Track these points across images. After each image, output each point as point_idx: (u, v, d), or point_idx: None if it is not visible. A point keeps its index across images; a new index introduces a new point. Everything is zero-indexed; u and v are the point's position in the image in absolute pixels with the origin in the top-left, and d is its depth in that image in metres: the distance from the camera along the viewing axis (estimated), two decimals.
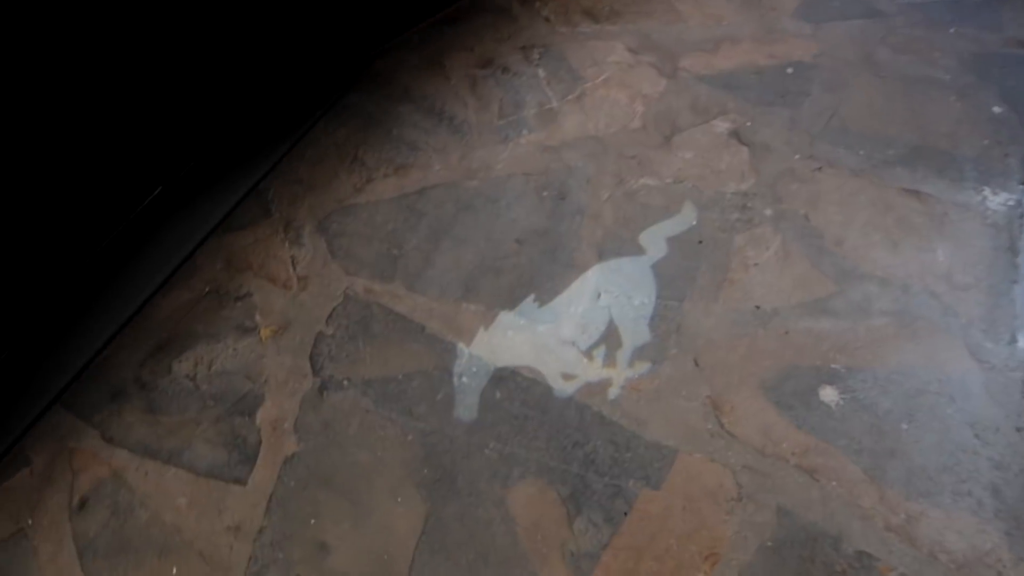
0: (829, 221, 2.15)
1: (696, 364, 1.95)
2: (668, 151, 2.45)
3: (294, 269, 2.41)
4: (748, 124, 2.46)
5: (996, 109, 2.33)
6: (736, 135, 2.43)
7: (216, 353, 2.25)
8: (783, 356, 1.92)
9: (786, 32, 2.75)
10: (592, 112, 2.65)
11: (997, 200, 2.10)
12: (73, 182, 2.28)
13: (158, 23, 2.28)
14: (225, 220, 2.59)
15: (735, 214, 2.22)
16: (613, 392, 1.94)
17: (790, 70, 2.60)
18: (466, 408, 1.99)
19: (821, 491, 1.69)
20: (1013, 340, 1.84)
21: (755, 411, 1.84)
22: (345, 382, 2.10)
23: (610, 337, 2.05)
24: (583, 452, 1.85)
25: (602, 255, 2.22)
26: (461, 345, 2.11)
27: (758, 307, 2.02)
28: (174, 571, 1.86)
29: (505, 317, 2.15)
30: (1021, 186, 2.12)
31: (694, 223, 2.23)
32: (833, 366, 1.87)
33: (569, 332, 2.07)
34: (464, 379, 2.04)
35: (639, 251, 2.21)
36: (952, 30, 2.60)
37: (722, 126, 2.48)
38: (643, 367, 1.98)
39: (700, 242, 2.18)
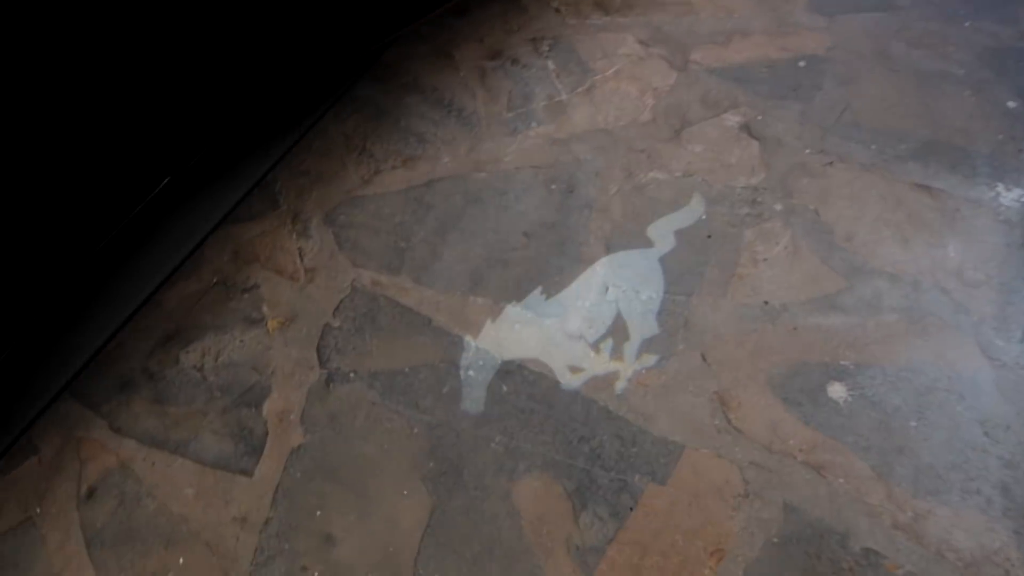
0: (839, 216, 2.13)
1: (703, 359, 1.94)
2: (678, 145, 2.43)
3: (301, 261, 2.41)
4: (759, 118, 2.44)
5: (1011, 104, 2.30)
6: (747, 129, 2.42)
7: (223, 344, 2.26)
8: (791, 352, 1.90)
9: (799, 25, 2.72)
10: (602, 105, 2.63)
11: (1010, 196, 2.07)
12: (82, 173, 2.29)
13: (168, 15, 2.27)
14: (233, 211, 2.60)
15: (744, 209, 2.21)
16: (620, 385, 1.94)
17: (802, 63, 2.58)
18: (473, 401, 1.99)
19: (828, 488, 1.68)
20: None
21: (762, 407, 1.82)
22: (352, 374, 2.10)
23: (617, 330, 2.04)
24: (589, 447, 1.84)
25: (610, 249, 2.21)
26: (468, 338, 2.11)
27: (767, 302, 2.00)
28: (181, 561, 1.87)
29: (512, 310, 2.14)
30: None
31: (703, 215, 2.22)
32: (842, 362, 1.86)
33: (576, 326, 2.07)
34: (471, 372, 2.04)
35: (647, 244, 2.20)
36: (967, 24, 2.57)
37: (733, 120, 2.46)
38: (650, 360, 1.97)
39: (709, 236, 2.17)
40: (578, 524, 1.73)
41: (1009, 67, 2.41)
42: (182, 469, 2.02)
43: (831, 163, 2.26)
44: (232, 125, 2.74)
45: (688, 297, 2.06)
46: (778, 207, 2.19)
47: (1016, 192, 2.08)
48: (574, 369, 1.99)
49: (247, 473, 1.98)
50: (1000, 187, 2.10)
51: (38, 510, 2.03)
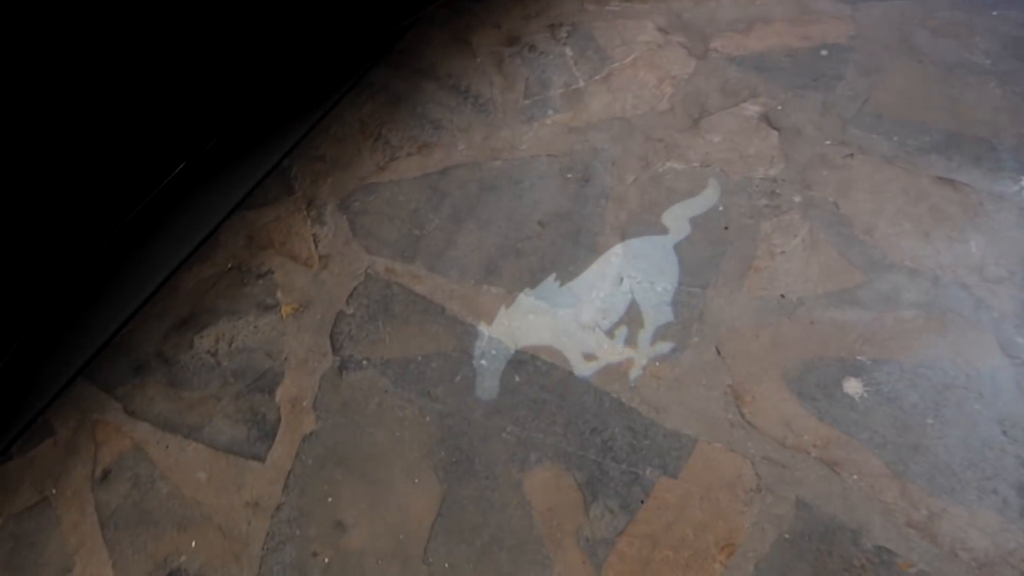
0: (859, 209, 2.10)
1: (718, 352, 1.92)
2: (696, 134, 2.40)
3: (316, 247, 2.41)
4: (779, 108, 2.40)
5: None
6: (766, 119, 2.38)
7: (237, 330, 2.26)
8: (807, 346, 1.88)
9: (822, 13, 2.67)
10: (619, 93, 2.60)
11: None
12: (99, 158, 2.29)
13: (185, 1, 2.27)
14: (248, 197, 2.60)
15: (763, 200, 2.18)
16: (634, 373, 1.92)
17: (824, 52, 2.53)
18: (485, 390, 1.98)
19: (842, 484, 1.66)
20: None
21: (777, 402, 1.81)
22: (364, 362, 2.11)
23: (632, 318, 2.03)
24: (601, 438, 1.84)
25: (625, 239, 2.19)
26: (481, 327, 2.10)
27: (783, 296, 1.98)
28: (193, 544, 1.89)
29: (526, 300, 2.13)
30: None
31: (719, 205, 2.19)
32: (858, 358, 1.84)
33: (590, 316, 2.05)
34: (483, 361, 2.04)
35: (662, 230, 2.18)
36: (994, 13, 2.51)
37: (752, 109, 2.42)
38: (665, 347, 1.96)
39: (726, 228, 2.15)
40: (588, 516, 1.73)
41: None
42: (195, 453, 2.04)
43: (852, 155, 2.23)
44: (248, 111, 2.74)
45: (704, 289, 2.04)
46: (797, 199, 2.16)
47: None
48: (588, 357, 1.98)
49: (259, 458, 1.99)
50: None
51: (54, 491, 2.05)
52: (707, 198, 2.23)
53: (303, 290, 2.31)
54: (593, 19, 2.92)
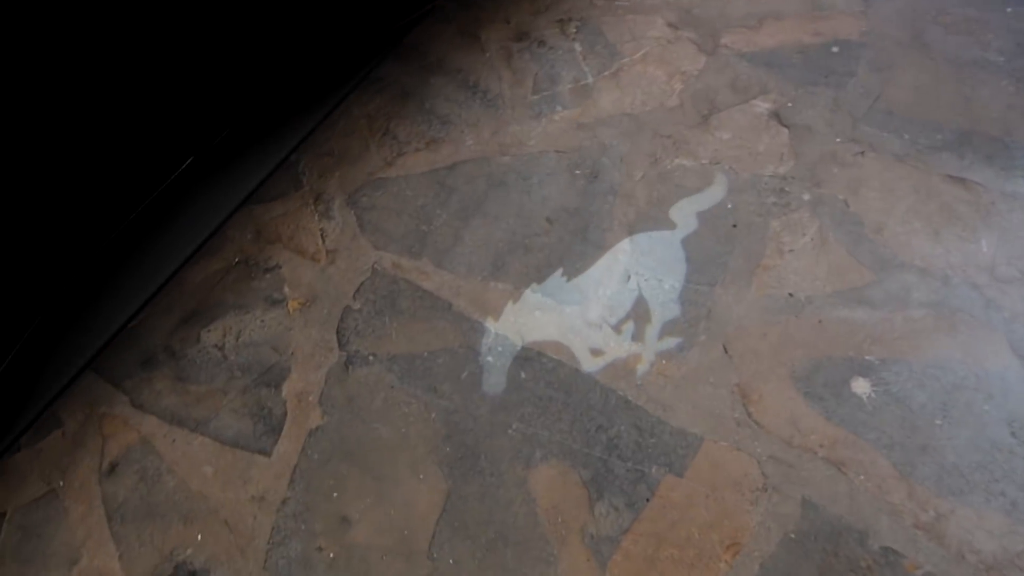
0: (869, 207, 2.09)
1: (725, 351, 1.91)
2: (705, 131, 2.39)
3: (323, 242, 2.41)
4: (789, 105, 2.39)
5: None
6: (776, 116, 2.37)
7: (244, 324, 2.27)
8: (815, 345, 1.87)
9: (833, 8, 2.65)
10: (628, 89, 2.59)
11: None
12: (107, 151, 2.30)
13: None
14: (256, 191, 2.60)
15: (772, 198, 2.17)
16: (641, 369, 1.92)
17: (835, 49, 2.51)
18: (491, 387, 1.98)
19: (848, 485, 1.65)
20: None
21: (784, 401, 1.80)
22: (371, 357, 2.11)
23: (639, 314, 2.02)
24: (607, 436, 1.83)
25: (633, 235, 2.18)
26: (488, 323, 2.10)
27: (791, 294, 1.97)
28: (199, 537, 1.89)
29: (533, 296, 2.13)
30: None
31: (727, 202, 2.18)
32: (867, 357, 1.83)
33: (597, 312, 2.05)
34: (490, 358, 2.03)
35: (669, 225, 2.17)
36: (1008, 10, 2.48)
37: (762, 106, 2.41)
38: (672, 342, 1.95)
39: (734, 226, 2.13)
40: (593, 514, 1.73)
41: None
42: (202, 447, 2.04)
43: (862, 153, 2.21)
44: (256, 105, 2.74)
45: (711, 287, 2.03)
46: (806, 197, 2.15)
47: None
48: (595, 352, 1.98)
49: (265, 453, 2.00)
50: None
51: (61, 483, 2.06)
52: (714, 193, 2.21)
53: (310, 285, 2.31)
54: (602, 14, 2.91)
